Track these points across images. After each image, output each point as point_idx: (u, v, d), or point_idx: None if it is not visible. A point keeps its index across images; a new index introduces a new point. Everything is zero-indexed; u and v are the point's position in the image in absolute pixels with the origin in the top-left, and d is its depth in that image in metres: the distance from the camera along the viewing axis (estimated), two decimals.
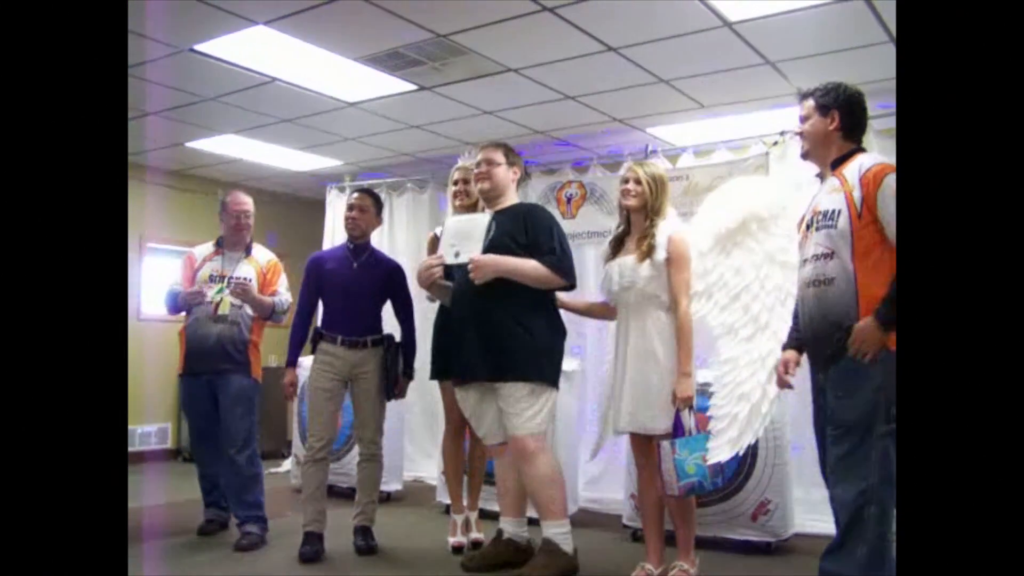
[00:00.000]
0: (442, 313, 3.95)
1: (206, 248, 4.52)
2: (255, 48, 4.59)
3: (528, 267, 3.49)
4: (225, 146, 6.67)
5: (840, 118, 2.85)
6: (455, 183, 4.13)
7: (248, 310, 4.32)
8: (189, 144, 6.63)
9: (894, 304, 2.55)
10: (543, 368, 3.51)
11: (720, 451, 3.45)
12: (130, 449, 7.02)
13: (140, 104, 5.54)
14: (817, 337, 2.82)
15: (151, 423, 7.29)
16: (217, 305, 4.27)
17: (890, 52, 4.40)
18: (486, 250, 3.52)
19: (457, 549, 4.07)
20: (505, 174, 3.68)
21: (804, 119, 2.94)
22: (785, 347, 3.09)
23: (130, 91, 5.15)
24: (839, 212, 2.73)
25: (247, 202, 4.46)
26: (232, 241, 4.45)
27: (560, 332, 3.64)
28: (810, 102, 2.92)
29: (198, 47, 4.58)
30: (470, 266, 3.48)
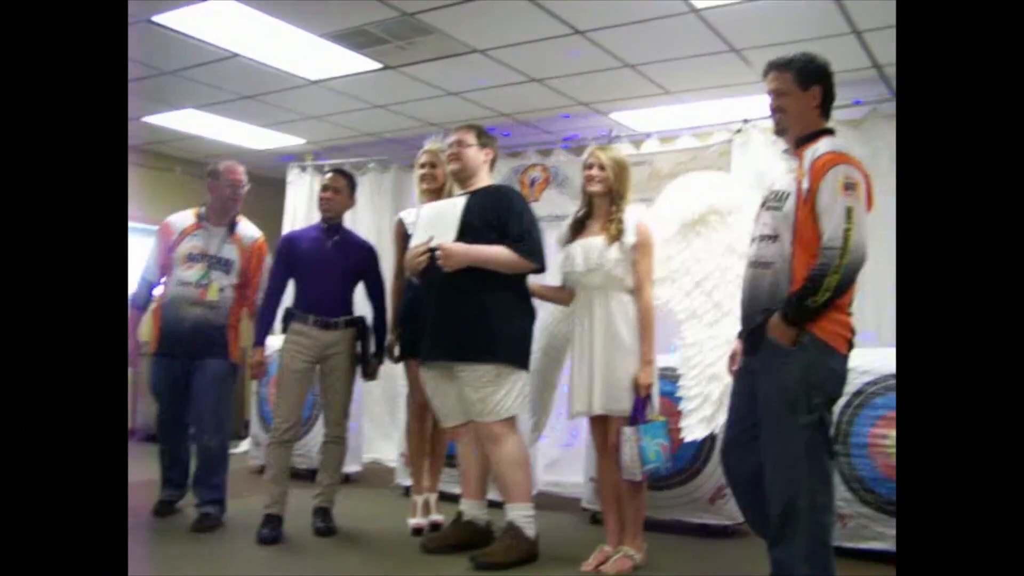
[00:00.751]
0: (412, 295, 3.92)
1: (184, 218, 4.23)
2: (217, 21, 4.51)
3: (497, 254, 3.48)
4: (185, 122, 6.56)
5: (821, 94, 2.76)
6: (422, 166, 4.09)
7: (230, 292, 4.16)
8: (146, 119, 6.49)
9: (798, 301, 2.57)
10: (507, 350, 3.49)
11: (694, 429, 3.51)
12: None
13: None
14: (746, 319, 2.84)
15: None
16: (205, 289, 4.08)
17: (854, 44, 4.45)
18: (459, 232, 3.50)
19: (417, 531, 4.06)
20: (476, 155, 3.67)
21: (780, 93, 2.79)
22: (739, 335, 3.11)
23: None
24: (788, 195, 2.70)
25: (243, 171, 4.24)
26: (219, 214, 4.20)
27: (528, 315, 3.63)
28: (788, 75, 2.77)
29: (157, 18, 4.48)
30: (438, 253, 3.46)
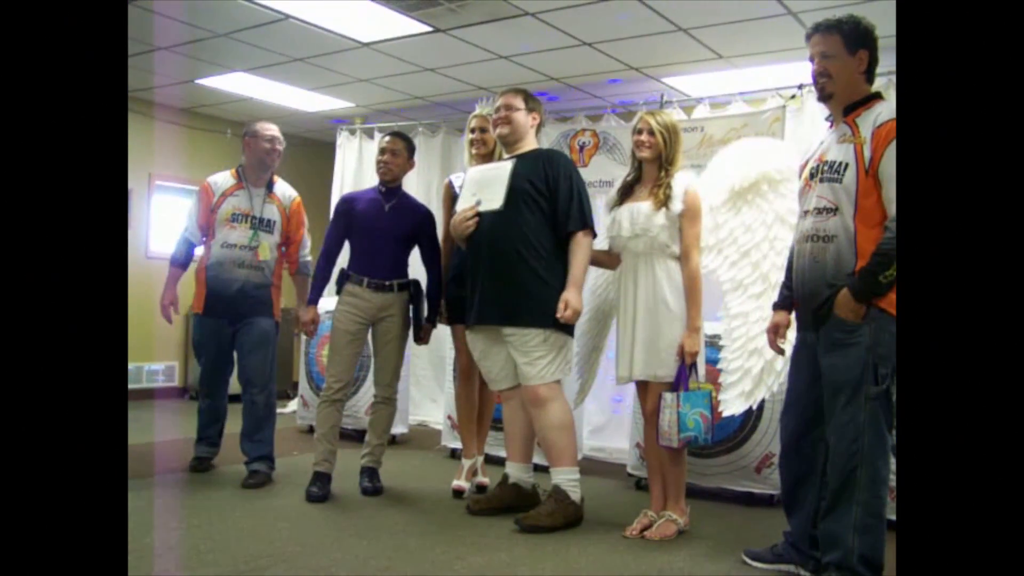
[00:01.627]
0: (460, 259, 3.94)
1: (225, 179, 4.28)
2: None
3: (583, 259, 3.51)
4: (236, 84, 6.61)
5: (868, 58, 2.68)
6: (472, 131, 4.08)
7: (276, 253, 4.26)
8: (199, 81, 6.56)
9: (871, 276, 2.52)
10: (554, 315, 3.48)
11: (733, 404, 3.48)
12: (138, 386, 7.09)
13: (148, 38, 5.46)
14: (808, 295, 2.77)
15: (159, 361, 7.34)
16: (256, 251, 4.17)
17: None
18: (507, 196, 3.51)
19: (457, 492, 4.10)
20: (524, 119, 3.66)
21: (826, 56, 2.71)
22: (776, 306, 3.06)
23: (139, 25, 5.07)
24: (846, 165, 2.63)
25: (276, 129, 4.28)
26: (257, 172, 4.26)
27: None
28: (836, 38, 2.68)
29: None
30: (559, 313, 3.42)
